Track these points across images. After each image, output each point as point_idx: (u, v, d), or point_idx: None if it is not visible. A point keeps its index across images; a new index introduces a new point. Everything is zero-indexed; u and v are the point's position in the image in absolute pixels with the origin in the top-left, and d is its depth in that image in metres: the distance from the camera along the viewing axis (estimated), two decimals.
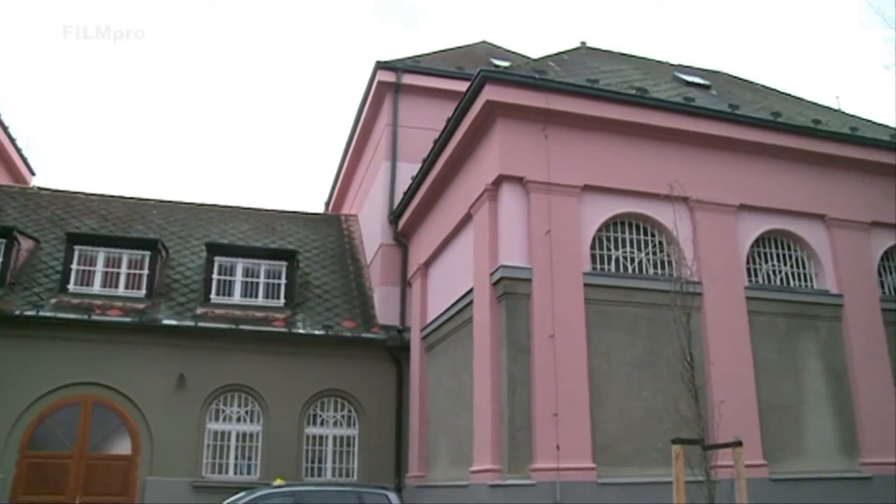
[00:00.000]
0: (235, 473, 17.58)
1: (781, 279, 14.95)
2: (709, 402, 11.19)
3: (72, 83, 58.25)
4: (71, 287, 18.42)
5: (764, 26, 61.85)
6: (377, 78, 21.12)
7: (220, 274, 19.51)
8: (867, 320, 14.72)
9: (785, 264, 15.07)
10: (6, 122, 23.27)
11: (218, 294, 19.27)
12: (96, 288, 18.61)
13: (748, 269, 14.58)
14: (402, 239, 19.82)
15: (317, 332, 18.68)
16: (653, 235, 14.17)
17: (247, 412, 18.09)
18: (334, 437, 18.49)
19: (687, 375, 9.18)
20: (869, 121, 18.21)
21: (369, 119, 22.64)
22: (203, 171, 59.69)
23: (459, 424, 14.64)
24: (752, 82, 20.44)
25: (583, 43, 18.88)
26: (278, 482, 14.15)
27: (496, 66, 18.01)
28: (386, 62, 21.17)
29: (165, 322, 17.96)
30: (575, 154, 13.68)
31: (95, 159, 56.69)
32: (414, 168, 18.14)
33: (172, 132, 60.34)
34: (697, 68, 19.86)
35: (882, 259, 15.78)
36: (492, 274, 13.14)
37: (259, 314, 18.89)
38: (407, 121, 20.81)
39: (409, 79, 21.04)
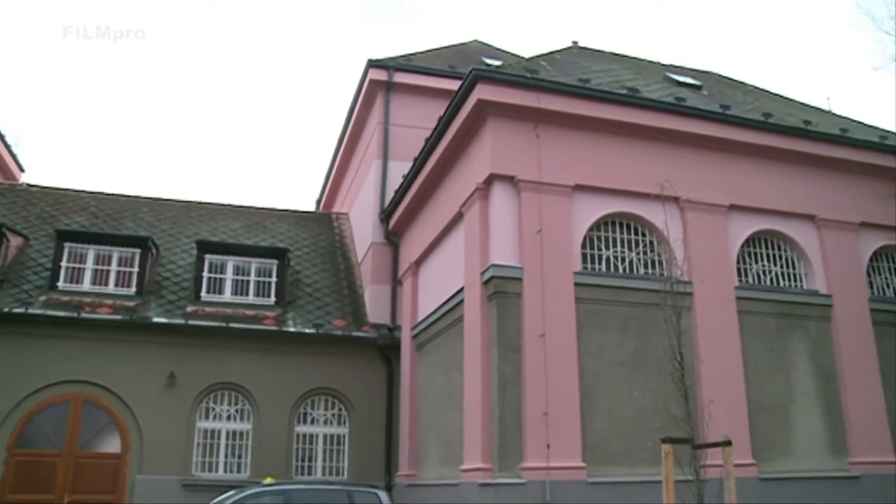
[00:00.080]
0: (225, 472, 17.54)
1: (771, 279, 15.00)
2: (698, 401, 11.26)
3: (71, 83, 58.16)
4: (60, 284, 18.33)
5: (755, 27, 62.09)
6: (369, 76, 21.09)
7: (210, 272, 19.45)
8: (856, 320, 14.79)
9: (775, 264, 15.12)
10: None
11: (208, 292, 19.21)
12: (86, 285, 18.53)
13: (738, 269, 14.62)
14: (393, 237, 19.81)
15: (307, 331, 18.66)
16: (643, 235, 14.20)
17: (237, 410, 18.05)
18: (324, 436, 18.47)
19: (677, 375, 9.21)
20: (859, 122, 18.29)
21: (361, 117, 22.61)
22: (195, 169, 59.57)
23: (450, 423, 14.64)
24: (743, 83, 20.51)
25: (574, 42, 18.91)
26: (268, 481, 14.12)
27: (488, 65, 17.98)
28: (378, 60, 21.14)
29: (155, 320, 17.89)
30: (566, 153, 13.69)
31: (94, 159, 56.60)
32: (405, 167, 18.11)
33: (169, 131, 60.23)
34: (689, 68, 19.91)
35: (871, 260, 15.86)
36: (482, 273, 13.14)
37: (250, 312, 18.85)
38: (398, 119, 20.78)
39: (400, 77, 21.03)
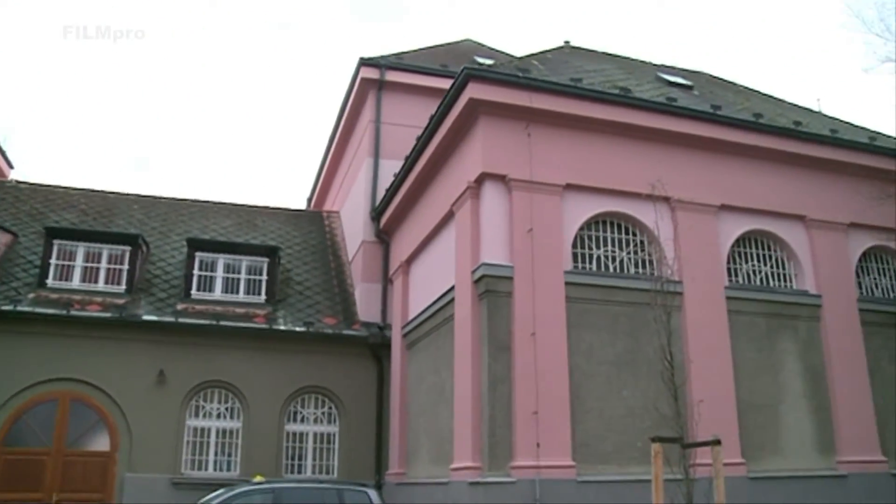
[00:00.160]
0: (215, 470, 17.50)
1: (761, 279, 15.06)
2: (688, 400, 11.31)
3: (71, 83, 57.97)
4: (49, 282, 18.25)
5: (746, 28, 62.29)
6: (361, 74, 21.06)
7: (201, 270, 19.39)
8: (845, 321, 14.86)
9: (765, 265, 15.17)
10: None
11: (199, 290, 19.16)
12: (75, 283, 18.45)
13: (728, 269, 14.67)
14: (384, 236, 19.79)
15: (298, 329, 18.63)
16: (634, 235, 14.23)
17: (227, 408, 18.01)
18: (315, 434, 18.44)
19: (667, 374, 9.26)
20: (849, 123, 18.37)
21: (352, 115, 22.58)
22: (187, 167, 59.39)
23: (440, 422, 14.64)
24: (734, 83, 20.56)
25: (566, 42, 18.91)
26: (258, 479, 14.09)
27: (480, 64, 18.00)
28: (369, 59, 21.11)
29: (145, 317, 17.82)
30: (557, 153, 13.70)
31: (89, 158, 56.48)
32: (396, 165, 18.10)
33: (164, 130, 60.04)
34: (680, 69, 19.96)
35: (860, 260, 15.94)
36: (473, 272, 13.14)
37: (240, 310, 18.81)
38: (390, 118, 20.77)
39: (392, 75, 21.01)
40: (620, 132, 14.22)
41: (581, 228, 13.78)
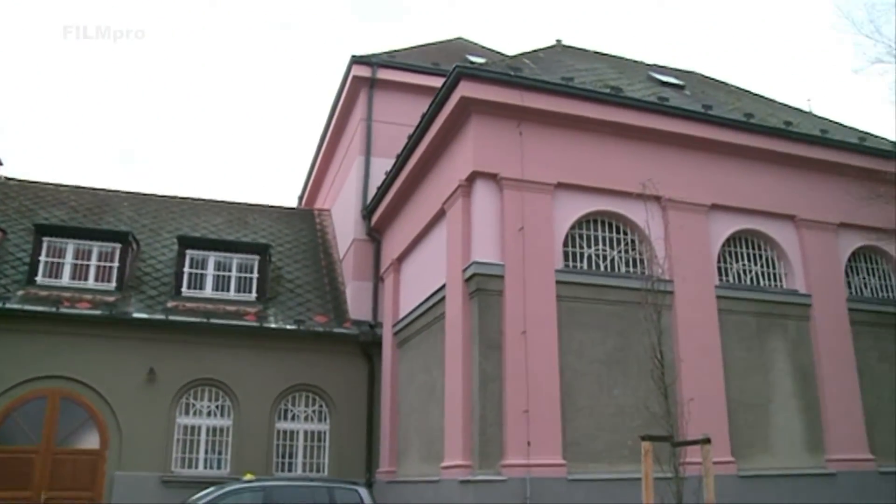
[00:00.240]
0: (205, 468, 17.44)
1: (752, 279, 15.11)
2: (678, 399, 11.32)
3: (70, 82, 57.78)
4: (39, 279, 18.14)
5: (738, 28, 62.46)
6: (352, 72, 21.02)
7: (191, 267, 19.33)
8: (834, 320, 14.93)
9: (755, 264, 15.22)
10: None
11: (189, 287, 19.10)
12: (65, 280, 18.36)
13: (719, 269, 14.71)
14: (375, 234, 19.77)
15: (288, 327, 18.59)
16: (625, 234, 14.25)
17: (217, 406, 17.97)
18: (305, 432, 18.41)
19: (657, 373, 9.28)
20: (839, 123, 18.44)
21: (344, 113, 22.54)
22: (179, 165, 59.26)
23: (431, 420, 14.64)
24: (725, 83, 20.61)
25: (558, 41, 18.90)
26: (248, 477, 14.06)
27: (472, 62, 17.95)
28: (361, 57, 21.07)
29: (136, 315, 17.75)
30: (549, 151, 13.71)
31: (85, 157, 56.40)
32: (388, 163, 18.08)
33: (160, 128, 59.98)
34: (672, 68, 19.99)
35: (849, 260, 16.01)
36: (464, 270, 13.14)
37: (231, 308, 18.75)
38: (381, 116, 20.74)
39: (384, 74, 20.98)
40: (612, 131, 14.24)
41: (572, 227, 13.79)
